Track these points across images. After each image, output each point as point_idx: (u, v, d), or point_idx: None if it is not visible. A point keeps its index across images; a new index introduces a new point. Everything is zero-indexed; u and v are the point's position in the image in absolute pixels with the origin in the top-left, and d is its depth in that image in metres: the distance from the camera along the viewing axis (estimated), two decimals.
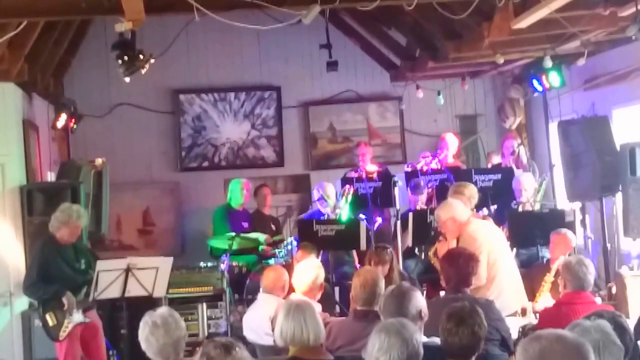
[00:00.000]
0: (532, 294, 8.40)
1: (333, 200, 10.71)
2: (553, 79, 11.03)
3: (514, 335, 6.85)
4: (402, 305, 5.59)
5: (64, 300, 8.47)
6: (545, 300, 8.30)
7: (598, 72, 11.18)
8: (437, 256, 8.59)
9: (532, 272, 9.03)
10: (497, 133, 14.12)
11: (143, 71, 7.66)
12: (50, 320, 8.53)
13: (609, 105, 10.92)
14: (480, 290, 7.58)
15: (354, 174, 11.69)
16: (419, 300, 5.72)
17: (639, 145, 9.48)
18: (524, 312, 7.85)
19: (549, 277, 8.52)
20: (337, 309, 9.55)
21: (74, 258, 8.84)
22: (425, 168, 11.46)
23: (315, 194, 10.90)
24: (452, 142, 12.45)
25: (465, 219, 8.16)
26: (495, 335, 6.25)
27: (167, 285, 9.00)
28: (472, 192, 8.92)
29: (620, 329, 4.57)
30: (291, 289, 7.57)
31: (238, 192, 11.80)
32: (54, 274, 8.62)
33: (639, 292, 8.68)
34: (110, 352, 9.51)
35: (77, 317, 8.53)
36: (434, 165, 11.55)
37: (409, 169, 11.54)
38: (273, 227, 11.94)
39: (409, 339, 4.50)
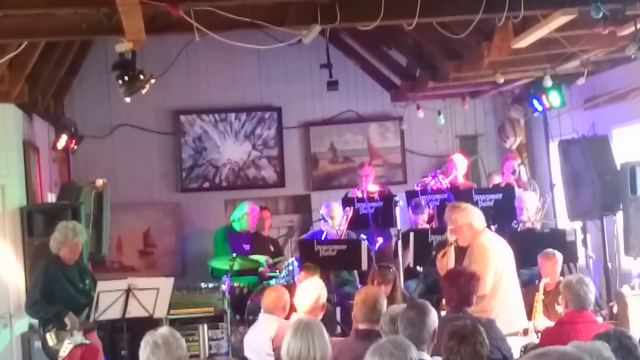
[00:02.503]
0: (528, 314, 8.41)
1: (338, 220, 10.71)
2: (553, 98, 11.05)
3: (516, 354, 6.83)
4: (422, 321, 5.56)
5: (67, 320, 8.46)
6: (541, 320, 8.30)
7: (598, 92, 11.20)
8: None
9: (526, 293, 9.06)
10: (497, 153, 14.13)
11: (144, 91, 7.68)
12: (50, 339, 8.51)
13: (609, 124, 10.93)
14: (482, 300, 7.53)
15: (355, 194, 11.68)
16: (436, 319, 5.70)
17: (639, 165, 9.48)
18: (525, 332, 7.83)
19: (538, 297, 8.53)
20: (339, 329, 9.54)
21: (78, 278, 8.86)
22: (430, 186, 11.44)
23: (322, 212, 10.90)
24: (461, 163, 12.38)
25: (481, 228, 8.11)
26: (497, 355, 6.23)
27: (168, 306, 8.99)
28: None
29: (624, 349, 4.55)
30: (292, 309, 7.55)
31: (247, 220, 11.70)
32: (58, 294, 8.63)
33: None
34: None
35: (78, 338, 8.50)
36: (445, 184, 11.50)
37: (419, 188, 11.50)
38: (272, 248, 11.91)
39: None
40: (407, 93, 13.21)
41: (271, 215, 12.88)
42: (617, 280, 10.07)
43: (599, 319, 7.45)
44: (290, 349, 5.44)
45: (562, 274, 9.15)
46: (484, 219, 8.23)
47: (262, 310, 7.89)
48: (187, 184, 13.67)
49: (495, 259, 7.86)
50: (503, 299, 7.80)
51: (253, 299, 10.16)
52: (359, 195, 11.44)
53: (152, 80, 7.69)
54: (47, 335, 8.52)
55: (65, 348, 8.48)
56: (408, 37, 11.49)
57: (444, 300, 7.04)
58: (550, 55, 10.04)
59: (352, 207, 10.78)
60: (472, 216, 8.12)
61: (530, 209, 10.67)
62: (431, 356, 5.55)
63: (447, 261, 8.19)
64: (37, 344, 9.40)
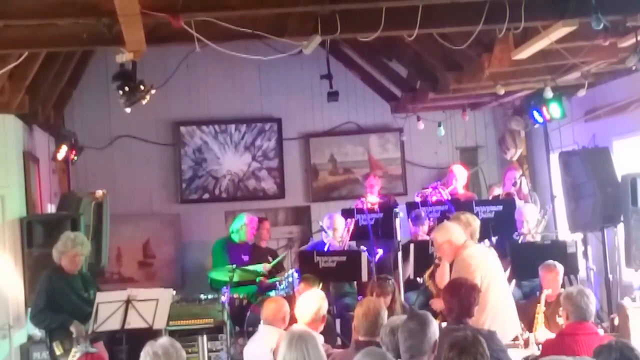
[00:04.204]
0: (529, 326, 8.38)
1: (340, 232, 10.70)
2: (553, 110, 11.04)
3: None
4: (423, 332, 5.52)
5: (72, 328, 8.46)
6: (542, 332, 8.27)
7: (598, 104, 11.19)
8: (433, 279, 8.58)
9: (527, 305, 9.07)
10: (498, 165, 14.13)
11: (144, 102, 7.67)
12: (57, 349, 8.52)
13: (609, 136, 10.93)
14: None
15: (360, 205, 11.67)
16: (437, 330, 5.67)
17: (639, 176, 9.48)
18: (526, 343, 7.80)
19: (540, 308, 8.51)
20: (339, 341, 9.51)
21: (82, 287, 8.85)
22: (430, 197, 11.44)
23: (323, 224, 10.89)
24: (460, 174, 12.37)
25: (462, 242, 8.12)
26: None
27: (168, 317, 8.97)
28: (468, 219, 8.86)
29: None
30: (293, 320, 7.53)
31: (245, 231, 11.68)
32: (61, 302, 8.64)
33: None
34: None
35: (84, 346, 8.49)
36: (445, 195, 11.49)
37: (419, 199, 11.49)
38: (270, 258, 11.89)
39: None
40: (408, 104, 13.21)
41: (269, 226, 12.86)
42: (618, 292, 10.07)
43: (600, 331, 7.43)
44: None
45: (563, 285, 9.12)
46: (462, 232, 8.26)
47: (261, 321, 7.88)
48: (187, 195, 13.66)
49: (479, 272, 7.80)
50: (494, 311, 7.71)
51: (253, 310, 10.14)
52: (368, 205, 11.43)
53: (153, 91, 7.69)
54: (54, 344, 8.53)
55: (73, 357, 8.47)
56: (408, 48, 11.49)
57: (445, 311, 7.00)
58: (550, 67, 10.03)
59: (353, 219, 10.77)
60: (449, 232, 8.17)
61: (530, 222, 10.66)
62: None
63: (441, 276, 8.20)
64: (36, 355, 9.39)
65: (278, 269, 11.41)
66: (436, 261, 8.45)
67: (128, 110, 7.75)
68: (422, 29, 7.91)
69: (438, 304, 8.13)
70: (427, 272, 8.70)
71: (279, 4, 7.49)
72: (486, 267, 7.96)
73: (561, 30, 8.01)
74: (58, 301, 8.63)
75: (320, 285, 9.27)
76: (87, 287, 8.94)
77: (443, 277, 8.19)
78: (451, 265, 8.14)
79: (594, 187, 9.88)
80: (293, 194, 13.98)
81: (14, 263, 9.76)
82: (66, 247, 8.74)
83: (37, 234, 9.74)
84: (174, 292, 9.37)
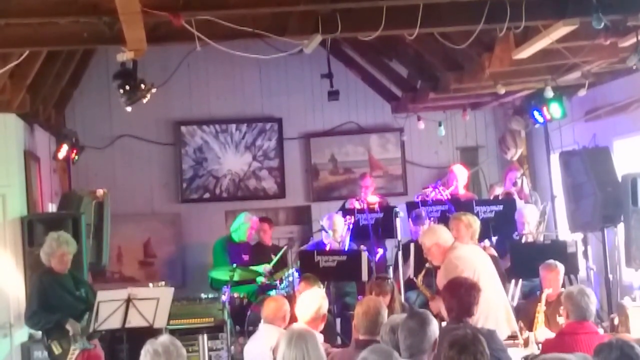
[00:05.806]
0: (530, 325, 8.39)
1: (339, 232, 10.69)
2: (554, 110, 11.05)
3: None
4: (423, 331, 5.52)
5: (68, 326, 8.48)
6: (542, 332, 8.28)
7: (599, 103, 11.19)
8: (425, 284, 8.59)
9: (527, 304, 9.06)
10: (498, 165, 14.12)
11: (144, 101, 7.69)
12: (55, 349, 8.53)
13: (610, 136, 10.93)
14: None
15: (352, 204, 11.66)
16: (437, 329, 5.67)
17: None
18: (526, 343, 7.81)
19: (540, 307, 8.51)
20: (339, 340, 9.52)
21: (74, 286, 8.86)
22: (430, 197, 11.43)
23: (323, 224, 10.88)
24: (461, 174, 12.35)
25: (450, 243, 8.15)
26: None
27: (168, 316, 8.98)
28: (469, 220, 8.86)
29: (626, 358, 4.54)
30: (293, 319, 7.53)
31: (244, 230, 11.68)
32: (55, 303, 8.64)
33: None
34: None
35: (82, 343, 8.51)
36: (445, 195, 11.48)
37: (419, 199, 11.49)
38: (273, 256, 11.88)
39: None
40: (408, 104, 13.21)
41: (271, 227, 12.86)
42: (618, 292, 10.06)
43: (600, 331, 7.44)
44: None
45: (563, 285, 9.13)
46: (450, 234, 8.28)
47: (262, 320, 7.88)
48: (188, 194, 13.66)
49: (466, 273, 7.76)
50: (486, 310, 7.66)
51: (253, 310, 10.14)
52: (357, 206, 11.40)
53: (153, 90, 7.70)
54: (52, 344, 8.54)
55: (71, 355, 8.49)
56: (409, 48, 11.49)
57: (445, 311, 6.99)
58: (551, 67, 10.04)
59: (352, 217, 10.78)
60: (437, 235, 8.22)
61: (531, 223, 10.67)
62: None
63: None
64: (37, 353, 9.40)
65: (280, 265, 11.37)
66: (427, 265, 8.46)
67: (129, 109, 7.76)
68: (423, 28, 7.92)
69: (435, 306, 8.12)
70: (420, 277, 8.68)
71: (280, 2, 7.50)
72: (474, 266, 7.96)
73: (562, 30, 8.02)
74: (51, 302, 8.64)
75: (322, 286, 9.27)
76: (78, 285, 8.96)
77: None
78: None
79: (594, 187, 9.88)
80: (293, 193, 13.98)
81: (14, 262, 9.76)
82: (52, 248, 8.76)
83: (38, 233, 9.74)
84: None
